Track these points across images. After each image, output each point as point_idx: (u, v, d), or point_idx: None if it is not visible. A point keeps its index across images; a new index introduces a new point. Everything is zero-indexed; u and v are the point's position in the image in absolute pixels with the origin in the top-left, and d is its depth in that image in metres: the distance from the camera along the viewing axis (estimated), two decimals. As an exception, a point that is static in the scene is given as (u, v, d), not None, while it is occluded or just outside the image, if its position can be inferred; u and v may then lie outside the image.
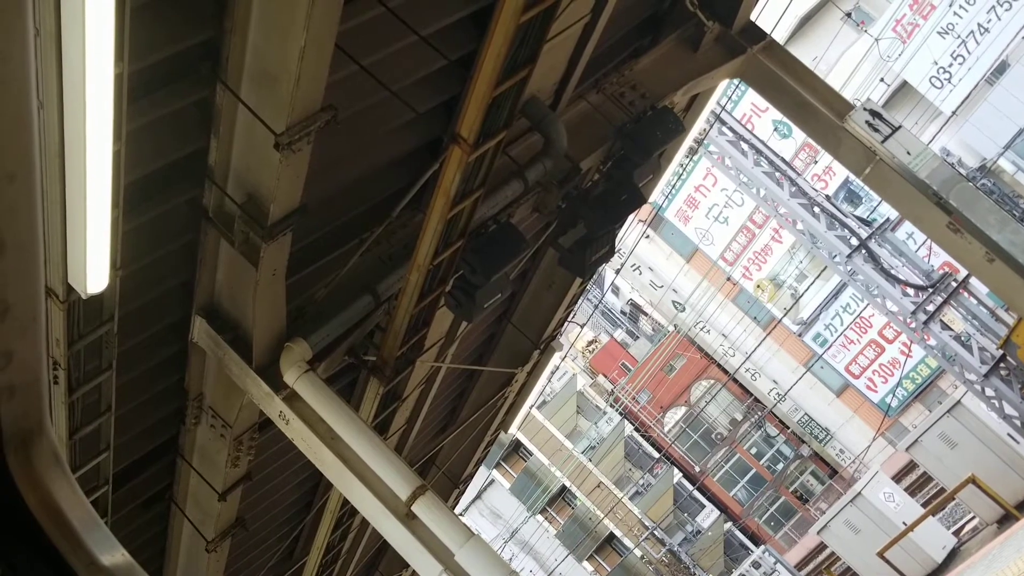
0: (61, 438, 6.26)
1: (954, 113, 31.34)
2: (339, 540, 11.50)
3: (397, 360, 7.82)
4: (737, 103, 32.50)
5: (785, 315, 37.99)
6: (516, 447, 48.19)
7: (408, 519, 6.92)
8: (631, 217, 11.62)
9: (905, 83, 31.98)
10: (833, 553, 20.66)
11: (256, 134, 5.61)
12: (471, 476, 16.05)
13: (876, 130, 9.79)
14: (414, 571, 7.16)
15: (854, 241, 20.02)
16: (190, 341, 7.26)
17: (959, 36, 31.67)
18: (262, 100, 5.44)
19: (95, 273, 5.28)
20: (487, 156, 6.38)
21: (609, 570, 48.26)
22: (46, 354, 4.61)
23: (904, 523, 18.54)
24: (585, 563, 48.50)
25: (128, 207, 5.17)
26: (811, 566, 25.65)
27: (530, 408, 16.16)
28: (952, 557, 18.12)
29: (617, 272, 37.98)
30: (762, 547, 26.29)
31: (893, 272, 19.87)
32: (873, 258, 19.93)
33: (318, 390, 7.02)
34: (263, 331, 6.92)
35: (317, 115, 5.52)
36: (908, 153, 9.77)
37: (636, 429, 46.90)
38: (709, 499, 46.02)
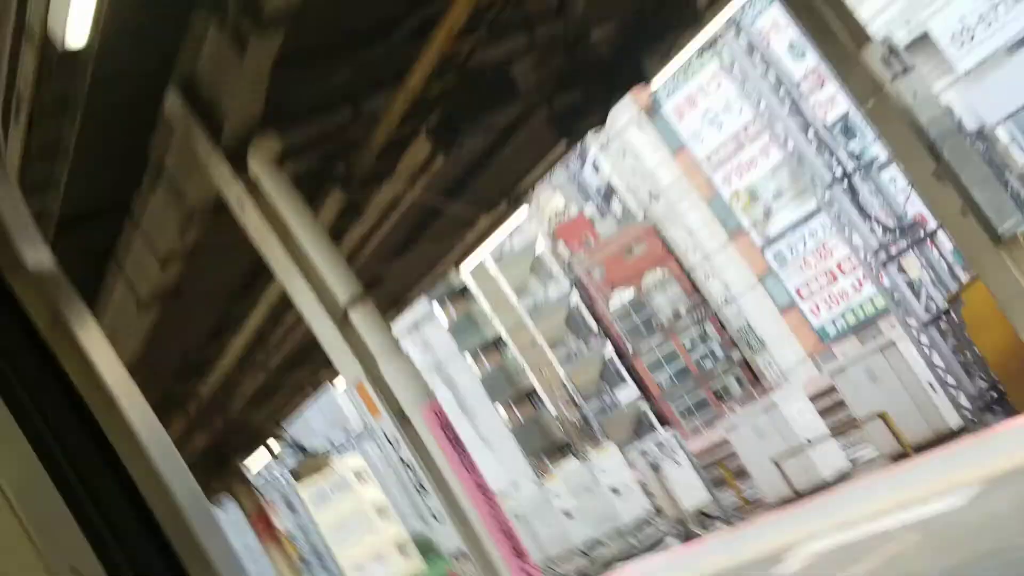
0: (13, 167, 6.25)
1: (967, 73, 31.07)
2: (270, 330, 11.63)
3: (367, 174, 7.82)
4: (760, 14, 32.02)
5: (753, 227, 38.25)
6: (463, 291, 48.62)
7: (343, 322, 7.02)
8: (628, 95, 11.56)
9: (926, 34, 31.59)
10: (733, 451, 21.45)
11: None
12: (413, 300, 16.16)
13: (889, 66, 9.73)
14: (334, 373, 7.30)
15: (839, 172, 20.07)
16: (161, 112, 7.19)
17: (993, -1, 31.24)
18: None
19: (75, 28, 5.22)
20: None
21: (522, 420, 49.39)
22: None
23: (808, 440, 19.25)
24: (498, 407, 49.58)
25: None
26: (709, 458, 26.61)
27: (486, 253, 16.26)
28: (840, 480, 18.90)
29: (602, 148, 37.81)
30: (670, 430, 27.07)
31: (867, 209, 20.00)
32: (852, 191, 20.00)
33: (280, 184, 7.03)
34: (237, 117, 6.86)
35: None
36: (915, 96, 9.75)
37: (583, 299, 47.44)
38: (634, 378, 46.94)
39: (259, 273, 11.19)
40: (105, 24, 5.22)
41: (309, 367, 16.73)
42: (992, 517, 10.72)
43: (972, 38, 31.92)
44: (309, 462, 20.65)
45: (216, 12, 6.10)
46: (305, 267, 7.08)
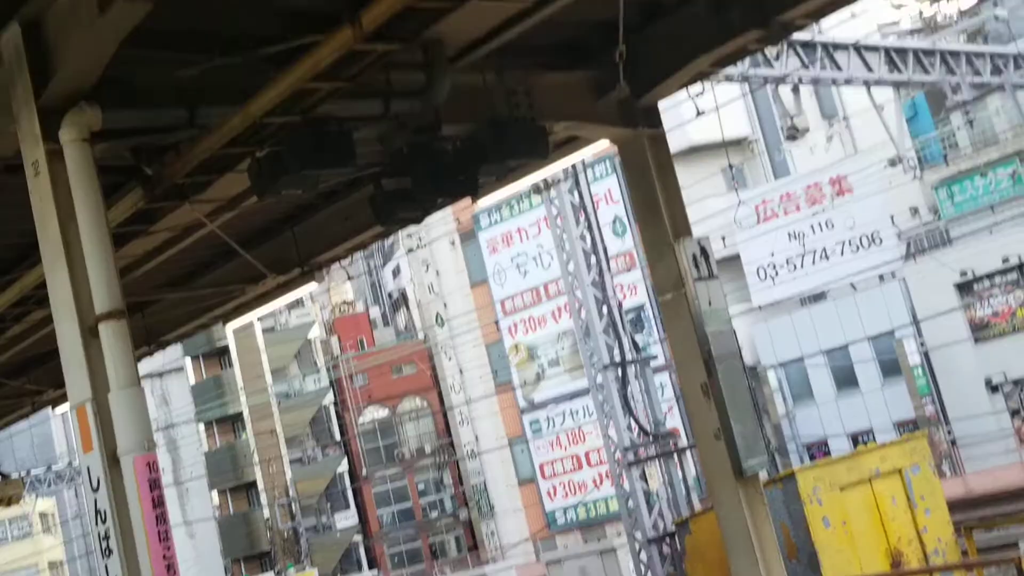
0: None
1: (760, 308, 32.80)
2: (12, 320, 10.95)
3: (174, 186, 7.52)
4: (599, 180, 33.15)
5: (522, 386, 38.71)
6: (222, 352, 47.15)
7: (89, 333, 6.57)
8: (453, 206, 11.61)
9: (737, 256, 33.33)
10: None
11: None
12: (168, 343, 15.58)
13: (697, 267, 10.08)
14: (64, 393, 6.84)
15: (617, 358, 20.54)
16: (-7, 44, 6.78)
17: (803, 246, 33.26)
18: None
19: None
20: (370, 56, 6.24)
21: (231, 512, 47.63)
22: None
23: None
24: (214, 492, 47.71)
25: None
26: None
27: (256, 318, 15.84)
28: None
29: (409, 251, 37.89)
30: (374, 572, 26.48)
31: (631, 405, 20.45)
32: (624, 382, 20.47)
33: (83, 163, 6.63)
34: (69, 77, 6.49)
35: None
36: (709, 304, 10.08)
37: (335, 404, 46.73)
38: (358, 505, 46.15)
39: (26, 253, 10.59)
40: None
41: (39, 379, 15.82)
42: None
43: (775, 277, 33.82)
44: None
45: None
46: (73, 259, 6.63)
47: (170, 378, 47.16)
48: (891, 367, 32.58)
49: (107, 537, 6.28)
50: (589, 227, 20.20)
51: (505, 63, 8.96)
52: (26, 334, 12.43)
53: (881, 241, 32.87)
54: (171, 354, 33.55)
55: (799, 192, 33.96)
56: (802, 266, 34.01)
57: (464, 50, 8.21)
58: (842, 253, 33.59)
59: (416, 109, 7.90)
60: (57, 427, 46.35)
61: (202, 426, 47.85)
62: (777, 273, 34.17)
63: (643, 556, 18.90)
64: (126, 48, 6.41)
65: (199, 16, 6.98)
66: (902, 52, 22.73)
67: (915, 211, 33.16)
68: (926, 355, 31.84)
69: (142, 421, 6.35)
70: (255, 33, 7.28)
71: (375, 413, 46.01)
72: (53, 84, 6.47)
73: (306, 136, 7.20)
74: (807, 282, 33.73)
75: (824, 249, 33.66)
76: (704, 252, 10.23)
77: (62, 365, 6.72)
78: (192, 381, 48.26)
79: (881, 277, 33.51)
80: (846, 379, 34.13)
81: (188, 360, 47.10)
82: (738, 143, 37.99)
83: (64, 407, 17.00)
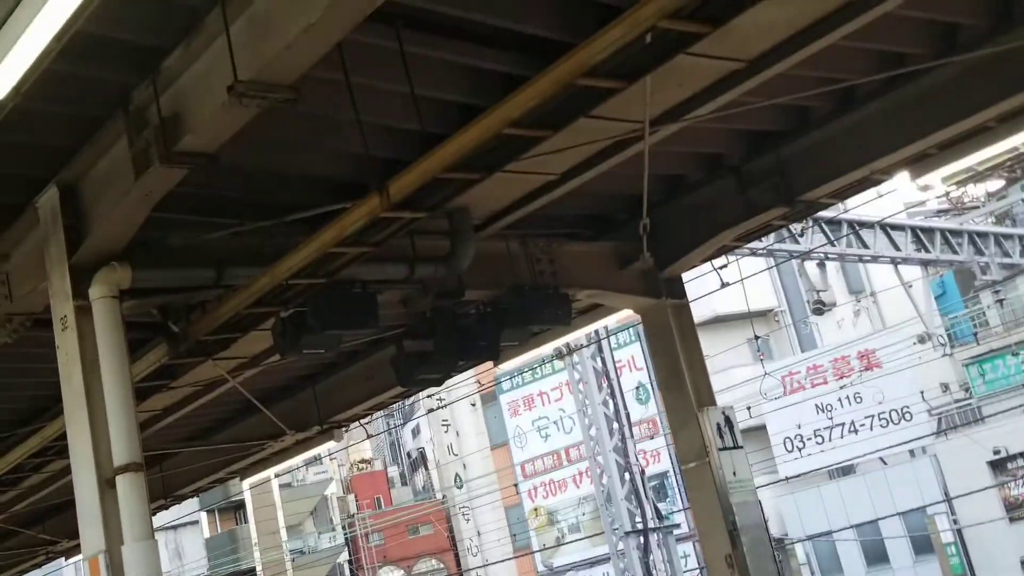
0: None
1: (787, 480, 32.33)
2: (31, 470, 10.96)
3: (198, 343, 7.60)
4: (623, 347, 33.17)
5: (539, 550, 38.06)
6: (238, 507, 46.72)
7: (106, 486, 6.60)
8: (475, 369, 11.67)
9: (763, 427, 33.05)
10: None
11: (220, 67, 5.55)
12: (184, 497, 15.50)
13: (721, 437, 10.03)
14: (78, 543, 6.82)
15: (639, 525, 20.29)
16: (33, 202, 7.00)
17: (831, 419, 32.97)
18: (245, 44, 5.42)
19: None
20: (396, 223, 6.38)
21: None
22: None
23: None
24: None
25: (67, 49, 5.03)
26: None
27: (273, 473, 15.77)
28: None
29: (430, 412, 37.77)
30: None
31: (653, 572, 20.12)
32: (646, 549, 20.18)
33: (111, 319, 6.75)
34: (102, 238, 6.70)
35: (282, 89, 5.49)
36: (734, 474, 10.00)
37: (350, 563, 45.99)
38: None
39: (48, 405, 10.68)
40: (29, 89, 5.09)
41: (53, 529, 15.76)
42: None
43: (802, 448, 33.41)
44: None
45: (133, 128, 6.03)
46: (95, 412, 6.71)
47: (184, 531, 46.70)
48: (923, 544, 31.86)
49: None
50: (612, 393, 20.18)
51: (529, 231, 9.13)
52: (43, 484, 12.42)
53: (911, 416, 32.54)
54: (186, 507, 33.31)
55: (826, 365, 33.85)
56: (830, 439, 33.63)
57: (489, 219, 8.39)
58: (871, 428, 33.23)
59: (440, 274, 8.02)
60: (70, 578, 45.77)
61: (214, 581, 47.22)
62: (804, 445, 33.78)
63: None
64: (158, 211, 6.60)
65: (229, 183, 7.20)
66: (929, 231, 22.86)
67: (946, 387, 32.93)
68: (959, 533, 31.18)
69: (155, 575, 6.31)
70: (283, 200, 7.49)
71: (390, 574, 45.20)
72: (86, 245, 6.65)
73: (330, 298, 7.31)
74: (835, 455, 33.30)
75: (852, 422, 33.33)
76: (729, 422, 10.18)
77: (78, 516, 6.73)
78: (207, 535, 47.77)
79: (912, 452, 33.07)
80: (877, 555, 33.37)
81: (203, 513, 46.69)
82: (764, 314, 38.07)
83: (77, 558, 16.86)
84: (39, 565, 18.20)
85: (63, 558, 17.62)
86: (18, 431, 11.11)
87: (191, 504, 35.64)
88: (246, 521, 46.27)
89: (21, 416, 11.11)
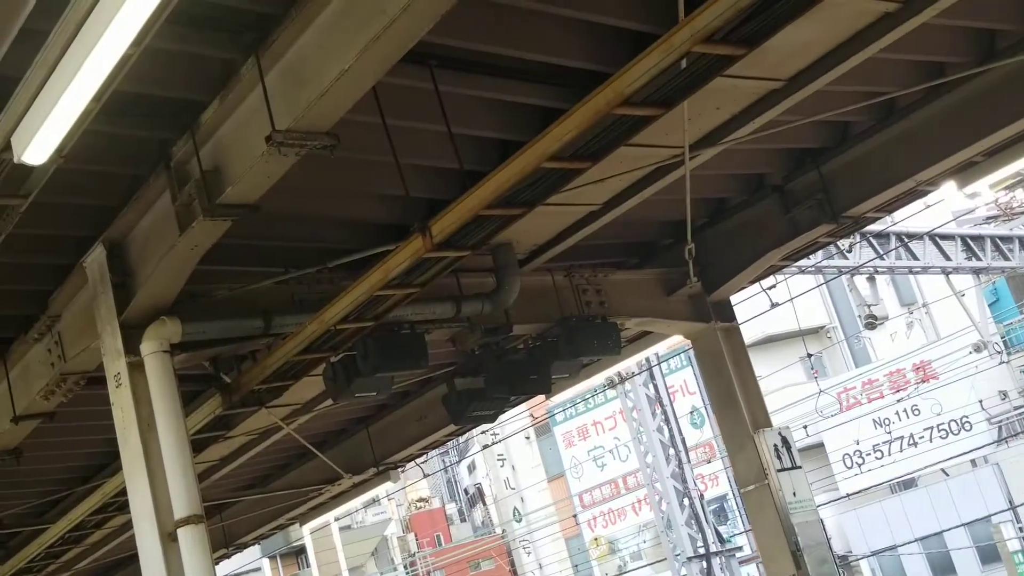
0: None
1: (848, 497, 31.93)
2: (93, 526, 11.04)
3: (250, 392, 7.63)
4: (674, 371, 32.98)
5: (603, 580, 37.77)
6: (299, 552, 46.77)
7: (168, 539, 6.63)
8: (526, 404, 11.62)
9: (821, 444, 32.69)
10: None
11: (257, 119, 5.60)
12: (245, 545, 15.55)
13: (779, 458, 9.92)
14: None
15: (701, 550, 20.11)
16: (80, 262, 7.07)
17: (889, 433, 32.54)
18: (281, 93, 5.46)
19: (39, 145, 5.17)
20: (440, 263, 6.39)
21: None
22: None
23: None
24: None
25: (106, 109, 5.08)
26: None
27: (333, 517, 15.79)
28: None
29: (484, 448, 37.66)
30: None
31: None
32: (710, 574, 19.99)
33: (163, 374, 6.80)
34: (150, 294, 6.75)
35: (320, 136, 5.52)
36: (794, 494, 9.88)
37: (414, 601, 45.87)
38: None
39: (106, 461, 10.77)
40: (70, 151, 5.15)
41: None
42: None
43: (861, 464, 32.98)
44: None
45: (175, 183, 6.09)
46: (153, 466, 6.76)
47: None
48: (990, 553, 31.31)
49: None
50: (666, 419, 20.05)
51: (574, 263, 9.10)
52: (106, 540, 12.50)
53: (971, 426, 32.06)
54: (248, 555, 33.41)
55: (882, 379, 33.45)
56: (889, 453, 33.19)
57: (533, 252, 8.38)
58: (931, 439, 32.77)
59: (487, 311, 8.00)
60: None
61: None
62: (863, 460, 33.35)
63: None
64: (205, 263, 6.65)
65: (273, 231, 7.25)
66: (979, 239, 22.56)
67: (1004, 395, 32.39)
68: (1026, 540, 30.65)
69: (218, 628, 6.33)
70: (327, 246, 7.53)
71: (454, 610, 45.06)
72: (135, 301, 6.71)
73: (379, 340, 7.31)
74: (896, 469, 32.84)
75: (911, 435, 32.89)
76: (786, 442, 10.08)
77: (142, 571, 6.76)
78: (270, 581, 47.91)
79: (973, 462, 32.55)
80: (943, 567, 32.83)
81: (266, 560, 46.77)
82: (815, 332, 37.71)
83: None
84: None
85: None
86: (77, 489, 11.20)
87: (253, 552, 35.75)
88: (308, 565, 46.25)
89: (81, 474, 11.22)
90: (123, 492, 7.99)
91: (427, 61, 5.98)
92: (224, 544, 14.83)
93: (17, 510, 11.55)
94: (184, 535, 6.54)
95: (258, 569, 46.74)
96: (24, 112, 4.94)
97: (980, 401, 31.82)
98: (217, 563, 16.30)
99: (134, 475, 6.88)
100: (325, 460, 11.26)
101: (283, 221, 7.23)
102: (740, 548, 25.29)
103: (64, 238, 7.02)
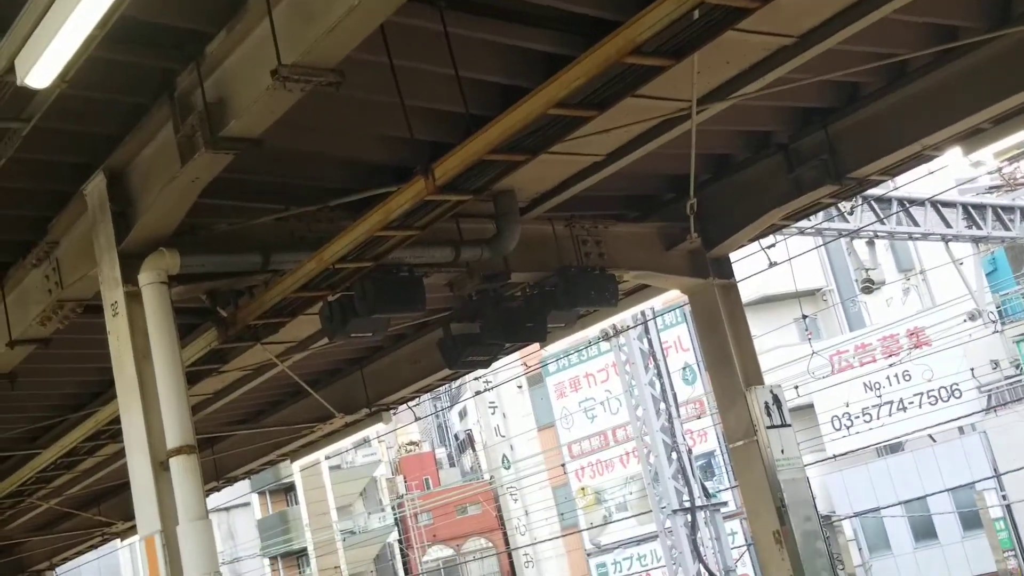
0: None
1: (835, 458, 32.14)
2: (86, 453, 11.10)
3: (246, 328, 7.64)
4: (669, 328, 33.03)
5: (587, 528, 38.08)
6: (288, 488, 47.09)
7: (160, 468, 6.67)
8: (520, 352, 11.64)
9: (811, 406, 32.84)
10: None
11: (263, 52, 5.55)
12: (236, 479, 15.65)
13: (769, 415, 9.97)
14: (133, 525, 6.89)
15: (687, 503, 20.25)
16: (80, 190, 7.05)
17: (879, 397, 32.68)
18: (289, 27, 5.41)
19: (43, 70, 5.13)
20: (442, 206, 6.37)
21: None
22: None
23: None
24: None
25: (111, 36, 5.03)
26: None
27: (323, 455, 15.85)
28: None
29: (476, 394, 37.82)
30: None
31: (700, 550, 20.10)
32: (693, 527, 20.15)
33: (160, 305, 6.80)
34: (149, 224, 6.73)
35: (326, 72, 5.47)
36: (782, 451, 9.94)
37: (400, 542, 46.27)
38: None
39: (101, 390, 10.79)
40: (74, 77, 5.12)
41: (109, 511, 15.95)
42: None
43: (850, 427, 33.14)
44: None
45: (178, 114, 6.05)
46: (147, 396, 6.78)
47: (236, 512, 47.11)
48: (972, 520, 31.60)
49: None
50: (658, 374, 20.11)
51: (575, 213, 9.08)
52: (98, 467, 12.56)
53: (960, 394, 32.20)
54: (238, 489, 33.63)
55: (875, 343, 33.54)
56: (878, 417, 33.36)
57: (535, 201, 8.36)
58: (920, 405, 32.91)
59: (486, 257, 7.99)
60: (124, 559, 46.29)
61: (267, 561, 47.59)
62: (852, 423, 33.53)
63: None
64: (205, 197, 6.62)
65: (275, 168, 7.21)
66: (981, 208, 22.49)
67: (996, 364, 32.51)
68: (1008, 508, 30.88)
69: (209, 554, 6.40)
70: (328, 185, 7.50)
71: (440, 552, 45.43)
72: (135, 231, 6.69)
73: (377, 281, 7.30)
74: (883, 433, 33.02)
75: (901, 400, 33.04)
76: (777, 400, 10.13)
77: (133, 498, 6.81)
78: (258, 516, 48.22)
79: (961, 429, 32.73)
80: (925, 531, 33.15)
81: (255, 495, 47.10)
82: (812, 293, 37.74)
83: (133, 539, 17.06)
84: (95, 547, 18.43)
85: (118, 539, 17.82)
86: (71, 416, 11.24)
87: (243, 486, 36.00)
88: (297, 503, 46.64)
89: (74, 401, 11.24)
90: (116, 420, 8.00)
91: (437, 2, 5.93)
92: (215, 477, 14.91)
93: (10, 434, 11.59)
94: (176, 464, 6.57)
95: (247, 504, 47.11)
96: (29, 34, 4.90)
97: (972, 369, 31.93)
98: (207, 495, 16.40)
99: (128, 403, 6.90)
100: (318, 398, 11.28)
101: (285, 158, 7.19)
102: (725, 503, 25.47)
103: (65, 164, 6.98)
